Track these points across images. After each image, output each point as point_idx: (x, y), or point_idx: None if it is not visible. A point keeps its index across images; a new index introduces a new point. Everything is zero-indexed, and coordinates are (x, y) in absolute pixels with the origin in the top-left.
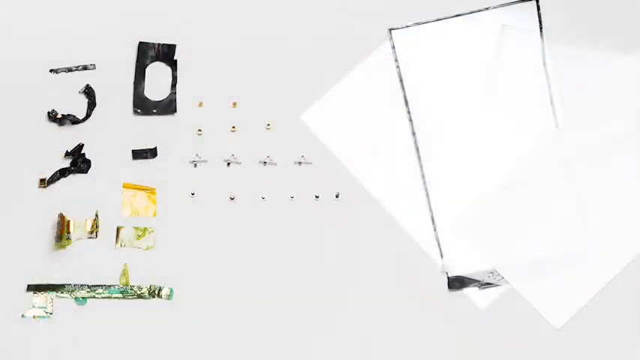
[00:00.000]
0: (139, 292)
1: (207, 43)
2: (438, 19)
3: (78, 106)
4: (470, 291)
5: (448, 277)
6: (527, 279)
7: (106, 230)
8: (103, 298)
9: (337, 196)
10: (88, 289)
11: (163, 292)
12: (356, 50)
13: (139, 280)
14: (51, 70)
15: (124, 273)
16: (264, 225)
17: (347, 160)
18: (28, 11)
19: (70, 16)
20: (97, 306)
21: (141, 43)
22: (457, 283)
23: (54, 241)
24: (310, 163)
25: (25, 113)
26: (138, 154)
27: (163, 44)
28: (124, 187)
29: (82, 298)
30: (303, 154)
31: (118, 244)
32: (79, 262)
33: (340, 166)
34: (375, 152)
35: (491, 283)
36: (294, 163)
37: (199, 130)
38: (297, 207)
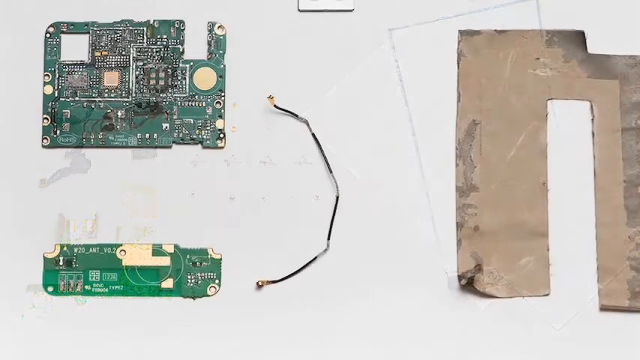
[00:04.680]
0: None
1: None
2: (438, 19)
3: None
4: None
5: (448, 277)
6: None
7: (106, 230)
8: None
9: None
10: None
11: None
12: (356, 50)
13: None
14: None
15: None
16: (264, 225)
17: (347, 160)
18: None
19: None
20: (97, 306)
21: None
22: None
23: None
24: (310, 163)
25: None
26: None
27: None
28: (124, 187)
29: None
30: (303, 154)
31: None
32: None
33: (340, 166)
34: (375, 152)
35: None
36: (294, 163)
37: None
38: (297, 207)
